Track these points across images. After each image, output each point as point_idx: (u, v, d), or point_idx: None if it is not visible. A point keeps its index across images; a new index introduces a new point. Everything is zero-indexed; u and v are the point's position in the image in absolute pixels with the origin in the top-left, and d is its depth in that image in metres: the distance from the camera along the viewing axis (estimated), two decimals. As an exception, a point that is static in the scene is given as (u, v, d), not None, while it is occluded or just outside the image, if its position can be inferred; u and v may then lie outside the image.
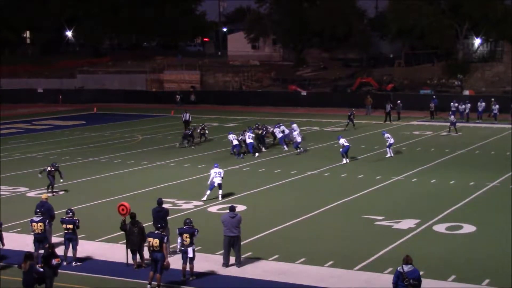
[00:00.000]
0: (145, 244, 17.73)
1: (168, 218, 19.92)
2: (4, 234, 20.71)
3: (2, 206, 24.70)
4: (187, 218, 17.74)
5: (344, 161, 33.83)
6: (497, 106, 51.76)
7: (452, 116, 46.28)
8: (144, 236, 17.70)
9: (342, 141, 34.19)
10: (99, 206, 25.17)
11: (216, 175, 25.74)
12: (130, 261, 18.00)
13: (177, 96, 67.67)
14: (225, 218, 18.13)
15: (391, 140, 35.60)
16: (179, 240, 17.26)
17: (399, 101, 54.60)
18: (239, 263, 18.04)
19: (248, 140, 36.35)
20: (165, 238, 16.51)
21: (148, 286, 16.39)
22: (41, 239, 17.94)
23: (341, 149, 34.31)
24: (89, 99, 70.89)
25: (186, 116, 46.42)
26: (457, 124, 47.55)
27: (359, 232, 21.48)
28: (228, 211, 18.40)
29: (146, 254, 17.57)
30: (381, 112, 54.88)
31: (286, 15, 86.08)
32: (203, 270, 17.68)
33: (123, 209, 18.64)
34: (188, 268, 17.11)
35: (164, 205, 24.53)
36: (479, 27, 77.32)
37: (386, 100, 55.21)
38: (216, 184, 25.81)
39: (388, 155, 35.51)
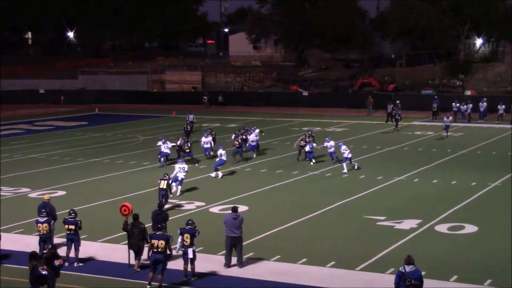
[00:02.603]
0: (145, 246, 17.72)
1: (170, 218, 19.94)
2: (6, 234, 20.77)
3: (4, 207, 24.72)
4: (189, 219, 17.75)
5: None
6: (503, 106, 51.79)
7: (451, 118, 45.47)
8: (145, 237, 17.69)
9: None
10: (101, 207, 25.17)
11: (180, 170, 26.66)
12: (132, 261, 17.99)
13: (205, 98, 67.15)
14: (227, 219, 18.13)
15: (349, 154, 31.43)
16: (179, 240, 17.27)
17: (398, 101, 54.52)
18: (241, 263, 18.03)
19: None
20: (170, 239, 16.54)
21: (148, 286, 16.39)
22: (46, 240, 17.98)
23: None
24: (90, 99, 70.90)
25: (191, 117, 45.93)
26: (459, 124, 47.65)
27: (361, 232, 21.48)
28: (230, 211, 18.41)
29: (144, 256, 17.64)
30: (382, 112, 54.90)
31: (287, 16, 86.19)
32: (204, 270, 17.68)
33: (125, 210, 18.65)
34: (189, 269, 17.12)
35: (166, 205, 24.67)
36: (481, 27, 77.41)
37: (387, 100, 55.13)
38: (179, 179, 26.59)
39: (345, 170, 31.30)
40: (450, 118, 45.07)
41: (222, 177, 30.48)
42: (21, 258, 17.99)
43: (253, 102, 67.48)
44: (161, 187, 24.42)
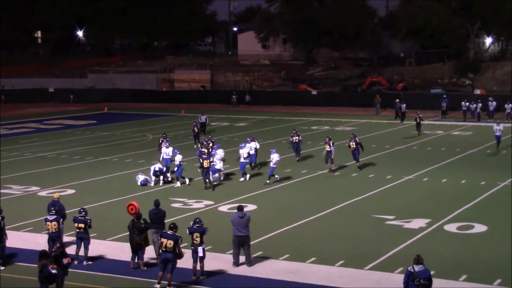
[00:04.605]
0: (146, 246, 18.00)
1: (179, 217, 19.95)
2: (16, 233, 20.89)
3: (13, 205, 24.81)
4: (196, 217, 17.76)
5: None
6: (511, 105, 51.61)
7: (502, 125, 37.81)
8: (144, 237, 17.76)
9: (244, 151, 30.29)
10: (110, 206, 25.24)
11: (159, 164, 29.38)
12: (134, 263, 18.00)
13: (233, 97, 66.69)
14: (234, 218, 18.16)
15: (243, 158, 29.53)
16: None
17: (397, 100, 54.33)
18: (249, 262, 18.04)
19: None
20: (180, 240, 16.53)
21: (158, 285, 16.42)
22: (55, 238, 18.02)
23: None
24: (99, 98, 71.14)
25: (203, 118, 45.44)
26: (468, 123, 46.85)
27: (369, 231, 21.44)
28: (237, 210, 18.43)
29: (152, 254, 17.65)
30: (391, 112, 54.74)
31: (296, 14, 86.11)
32: (213, 269, 17.69)
33: (132, 209, 18.73)
34: (198, 267, 17.13)
35: (175, 205, 24.73)
36: (490, 26, 77.05)
37: (400, 100, 54.70)
38: (157, 169, 29.00)
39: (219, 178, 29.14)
40: (501, 126, 37.76)
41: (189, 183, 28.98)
42: (30, 256, 18.05)
43: (261, 101, 67.24)
44: (204, 166, 27.40)
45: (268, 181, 28.81)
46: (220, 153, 29.78)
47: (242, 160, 30.12)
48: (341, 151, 34.06)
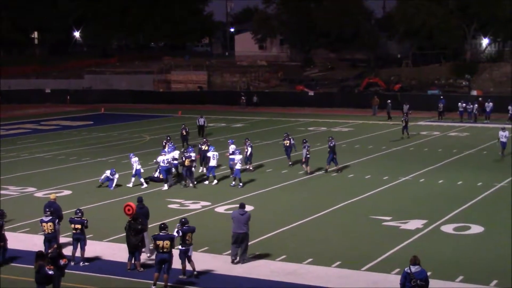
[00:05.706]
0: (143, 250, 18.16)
1: (174, 218, 19.92)
2: (13, 234, 20.83)
3: (10, 206, 24.76)
4: (183, 217, 17.69)
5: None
6: None
7: (507, 132, 36.00)
8: (140, 238, 17.78)
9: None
10: (107, 207, 25.22)
11: (138, 163, 28.40)
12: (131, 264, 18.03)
13: (243, 98, 66.60)
14: (234, 215, 18.29)
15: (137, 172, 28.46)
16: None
17: (389, 101, 54.35)
18: (244, 260, 18.09)
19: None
20: (175, 238, 16.56)
21: (153, 287, 16.41)
22: (51, 239, 18.00)
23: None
24: (96, 99, 71.10)
25: (201, 121, 45.26)
26: (465, 124, 46.84)
27: (366, 232, 21.45)
28: (238, 208, 18.49)
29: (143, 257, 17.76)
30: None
31: (293, 15, 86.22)
32: (210, 270, 17.69)
33: (129, 209, 18.75)
34: (190, 267, 17.13)
35: (172, 206, 24.73)
36: (487, 27, 77.19)
37: (404, 101, 54.66)
38: (142, 171, 28.70)
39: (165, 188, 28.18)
40: (507, 132, 35.92)
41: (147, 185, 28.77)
42: (27, 257, 18.03)
43: (258, 102, 67.19)
44: (186, 164, 27.92)
45: (240, 184, 28.51)
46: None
47: (214, 164, 29.20)
48: (339, 153, 33.97)
